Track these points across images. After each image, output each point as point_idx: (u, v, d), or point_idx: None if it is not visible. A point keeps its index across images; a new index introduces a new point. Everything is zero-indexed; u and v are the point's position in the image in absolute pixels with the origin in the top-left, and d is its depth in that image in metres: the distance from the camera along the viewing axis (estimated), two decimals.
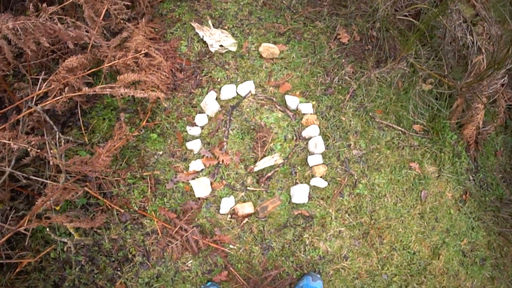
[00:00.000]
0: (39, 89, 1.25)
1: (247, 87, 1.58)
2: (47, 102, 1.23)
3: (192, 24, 1.76)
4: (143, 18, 1.67)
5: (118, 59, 1.43)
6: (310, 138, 1.51)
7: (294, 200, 1.44)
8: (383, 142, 1.54)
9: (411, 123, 1.58)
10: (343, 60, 1.65)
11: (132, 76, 1.34)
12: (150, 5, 1.86)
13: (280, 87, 1.60)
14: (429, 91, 1.61)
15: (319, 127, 1.52)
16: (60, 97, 1.23)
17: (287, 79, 1.61)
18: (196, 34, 1.75)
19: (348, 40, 1.67)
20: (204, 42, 1.73)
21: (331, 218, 1.45)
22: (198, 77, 1.66)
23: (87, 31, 1.37)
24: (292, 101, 1.55)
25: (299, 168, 1.50)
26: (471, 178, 1.63)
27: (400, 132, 1.56)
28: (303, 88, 1.61)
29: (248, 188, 1.47)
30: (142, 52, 1.50)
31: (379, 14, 1.57)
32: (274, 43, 1.70)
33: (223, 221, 1.43)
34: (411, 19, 1.51)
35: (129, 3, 1.54)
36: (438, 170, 1.55)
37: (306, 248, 1.42)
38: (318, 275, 1.32)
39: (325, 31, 1.73)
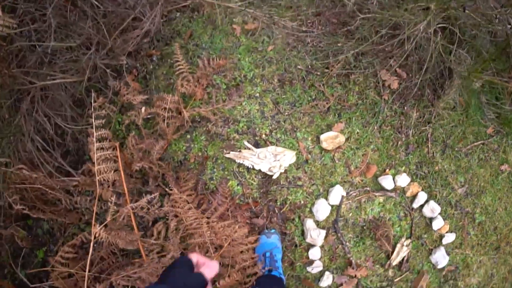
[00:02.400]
0: None
1: (336, 194, 1.43)
2: None
3: (227, 156, 1.44)
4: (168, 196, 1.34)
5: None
6: (422, 205, 1.49)
7: (439, 266, 1.50)
8: (475, 165, 1.57)
9: (485, 131, 1.61)
10: (405, 108, 1.51)
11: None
12: (162, 173, 1.45)
13: (366, 172, 1.47)
14: (490, 92, 1.59)
15: (424, 191, 1.49)
16: None
17: (367, 160, 1.47)
18: (240, 164, 1.45)
19: (398, 83, 1.50)
20: (258, 170, 1.45)
21: (471, 257, 1.56)
22: (278, 212, 1.45)
23: None
24: (386, 181, 1.45)
25: (425, 236, 1.51)
26: None
27: (481, 145, 1.59)
28: (386, 160, 1.49)
29: (395, 280, 1.49)
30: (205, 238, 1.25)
31: (415, 33, 1.39)
32: (328, 127, 1.48)
33: None
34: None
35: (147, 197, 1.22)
36: None
37: None
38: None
39: (368, 83, 1.52)
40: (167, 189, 1.41)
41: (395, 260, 1.47)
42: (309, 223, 1.42)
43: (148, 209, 1.44)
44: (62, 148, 1.51)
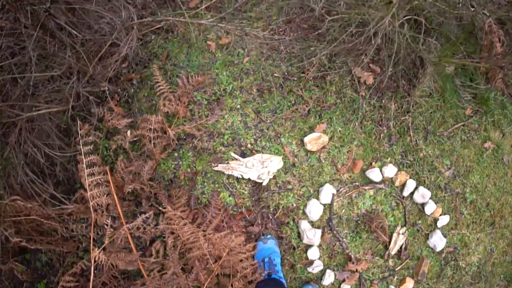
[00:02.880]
0: None
1: (327, 192, 1.46)
2: None
3: (215, 169, 1.47)
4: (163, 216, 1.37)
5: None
6: (412, 192, 1.52)
7: (438, 249, 1.53)
8: (458, 146, 1.61)
9: (464, 113, 1.64)
10: (383, 101, 1.56)
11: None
12: (154, 192, 1.49)
13: (353, 168, 1.51)
14: (463, 74, 1.64)
15: (412, 178, 1.52)
16: None
17: (352, 156, 1.51)
18: (229, 175, 1.49)
19: (373, 78, 1.55)
20: (247, 179, 1.49)
21: (468, 236, 1.59)
22: (272, 218, 1.48)
23: None
24: (374, 173, 1.49)
25: (420, 222, 1.54)
26: None
27: (462, 126, 1.63)
28: (371, 153, 1.53)
29: (397, 269, 1.52)
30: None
31: (381, 27, 1.44)
32: (311, 129, 1.52)
33: None
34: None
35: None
36: (500, 130, 1.70)
37: (466, 269, 1.59)
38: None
39: (345, 82, 1.56)
40: (160, 208, 1.44)
41: (394, 249, 1.49)
42: (304, 224, 1.45)
43: (144, 228, 1.47)
44: (52, 178, 1.54)
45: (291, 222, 1.47)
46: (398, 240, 1.49)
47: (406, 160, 1.55)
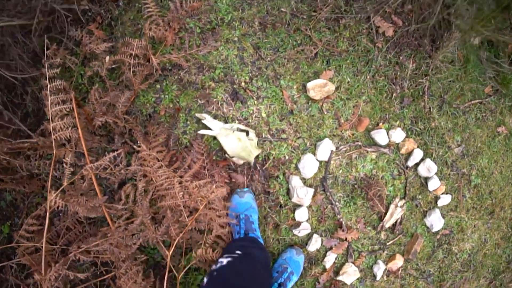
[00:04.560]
0: None
1: (325, 148, 1.28)
2: None
3: (197, 115, 1.28)
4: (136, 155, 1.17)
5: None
6: (417, 164, 1.37)
7: (434, 230, 1.39)
8: (472, 124, 1.47)
9: (483, 90, 1.50)
10: (401, 58, 1.38)
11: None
12: (129, 128, 1.28)
13: (358, 125, 1.33)
14: (488, 50, 1.49)
15: (420, 148, 1.37)
16: None
17: (358, 112, 1.33)
18: (216, 115, 1.28)
19: (393, 31, 1.37)
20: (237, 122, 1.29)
21: (466, 221, 1.46)
22: (260, 169, 1.29)
23: None
24: (380, 135, 1.32)
25: (420, 197, 1.39)
26: None
27: (479, 104, 1.49)
28: (379, 112, 1.36)
29: (388, 243, 1.36)
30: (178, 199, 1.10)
31: None
32: (316, 74, 1.33)
33: (383, 284, 1.36)
34: None
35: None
36: None
37: (458, 255, 1.46)
38: (301, 249, 1.31)
39: (360, 29, 1.38)
40: (135, 146, 1.22)
41: (388, 222, 1.34)
42: (295, 181, 1.27)
43: (112, 169, 1.26)
44: (22, 109, 1.35)
45: (281, 176, 1.29)
46: (395, 213, 1.34)
47: (416, 127, 1.39)
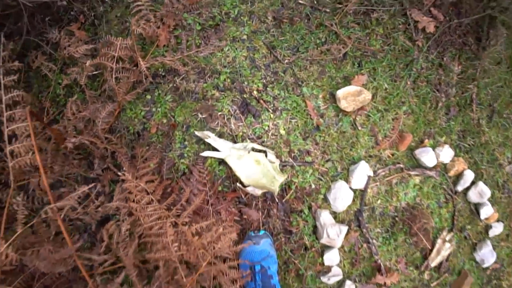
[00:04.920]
0: None
1: (361, 173, 1.02)
2: None
3: (197, 133, 0.99)
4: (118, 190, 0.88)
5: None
6: (467, 188, 1.13)
7: (485, 265, 1.16)
8: None
9: None
10: (444, 59, 1.14)
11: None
12: (111, 150, 1.00)
13: (399, 143, 1.08)
14: None
15: (470, 169, 1.13)
16: None
17: (398, 127, 1.08)
18: (220, 132, 1.00)
19: (435, 27, 1.13)
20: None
21: None
22: (279, 202, 1.01)
23: None
24: (426, 155, 1.07)
25: (469, 227, 1.16)
26: None
27: None
28: (423, 126, 1.11)
29: (432, 284, 1.12)
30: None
31: None
32: (346, 80, 1.07)
33: None
34: None
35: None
36: None
37: None
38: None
39: (396, 24, 1.12)
40: (119, 173, 0.92)
41: (435, 260, 1.10)
42: (325, 217, 1.00)
43: (85, 208, 0.97)
44: None
45: (306, 211, 1.01)
46: (443, 249, 1.10)
47: (464, 143, 1.15)
